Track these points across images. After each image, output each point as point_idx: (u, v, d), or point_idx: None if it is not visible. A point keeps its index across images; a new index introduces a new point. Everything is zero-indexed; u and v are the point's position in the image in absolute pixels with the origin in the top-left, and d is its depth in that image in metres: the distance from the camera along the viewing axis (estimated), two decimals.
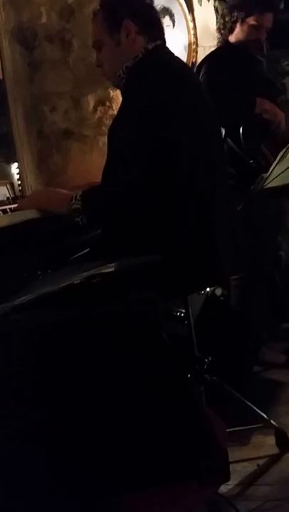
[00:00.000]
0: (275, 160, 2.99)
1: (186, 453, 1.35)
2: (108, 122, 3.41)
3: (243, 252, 2.26)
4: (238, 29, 3.27)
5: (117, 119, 2.23)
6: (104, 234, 2.12)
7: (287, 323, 3.45)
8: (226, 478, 1.38)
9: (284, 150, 2.55)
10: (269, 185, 2.69)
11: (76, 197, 2.07)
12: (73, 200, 2.06)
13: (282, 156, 2.57)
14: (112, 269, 1.48)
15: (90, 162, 3.46)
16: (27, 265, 1.93)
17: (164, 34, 2.27)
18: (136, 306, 1.35)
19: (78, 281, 1.44)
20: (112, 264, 1.52)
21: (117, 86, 2.31)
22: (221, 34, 3.37)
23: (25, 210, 2.14)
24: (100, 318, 1.35)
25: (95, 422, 1.34)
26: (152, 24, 2.22)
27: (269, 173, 2.66)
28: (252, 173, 3.02)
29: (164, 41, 2.25)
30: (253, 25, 3.23)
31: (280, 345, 3.38)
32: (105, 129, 3.38)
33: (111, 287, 1.44)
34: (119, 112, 2.25)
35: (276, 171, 2.62)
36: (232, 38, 3.30)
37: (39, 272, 1.87)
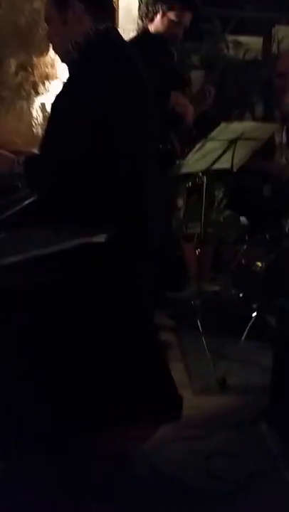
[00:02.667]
0: (180, 147, 3.29)
1: (147, 393, 1.57)
2: (29, 88, 3.44)
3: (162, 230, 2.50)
4: (158, 21, 3.45)
5: (63, 92, 2.28)
6: (41, 199, 2.24)
7: (171, 292, 3.85)
8: (179, 418, 1.61)
9: (203, 141, 2.81)
10: (183, 171, 2.96)
11: (19, 161, 2.20)
12: (16, 164, 2.19)
13: (200, 146, 2.82)
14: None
15: (4, 124, 3.47)
16: None
17: (114, 16, 2.39)
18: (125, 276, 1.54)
19: (69, 247, 1.59)
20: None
21: (64, 61, 2.37)
22: (142, 22, 3.55)
23: None
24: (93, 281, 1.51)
25: (73, 370, 1.52)
26: (101, 5, 2.29)
27: (187, 160, 2.92)
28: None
29: (113, 22, 2.35)
30: (172, 21, 3.43)
31: (166, 312, 3.77)
32: (25, 94, 3.42)
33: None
34: (65, 85, 2.30)
35: (192, 159, 2.88)
36: (151, 28, 3.48)
37: None
